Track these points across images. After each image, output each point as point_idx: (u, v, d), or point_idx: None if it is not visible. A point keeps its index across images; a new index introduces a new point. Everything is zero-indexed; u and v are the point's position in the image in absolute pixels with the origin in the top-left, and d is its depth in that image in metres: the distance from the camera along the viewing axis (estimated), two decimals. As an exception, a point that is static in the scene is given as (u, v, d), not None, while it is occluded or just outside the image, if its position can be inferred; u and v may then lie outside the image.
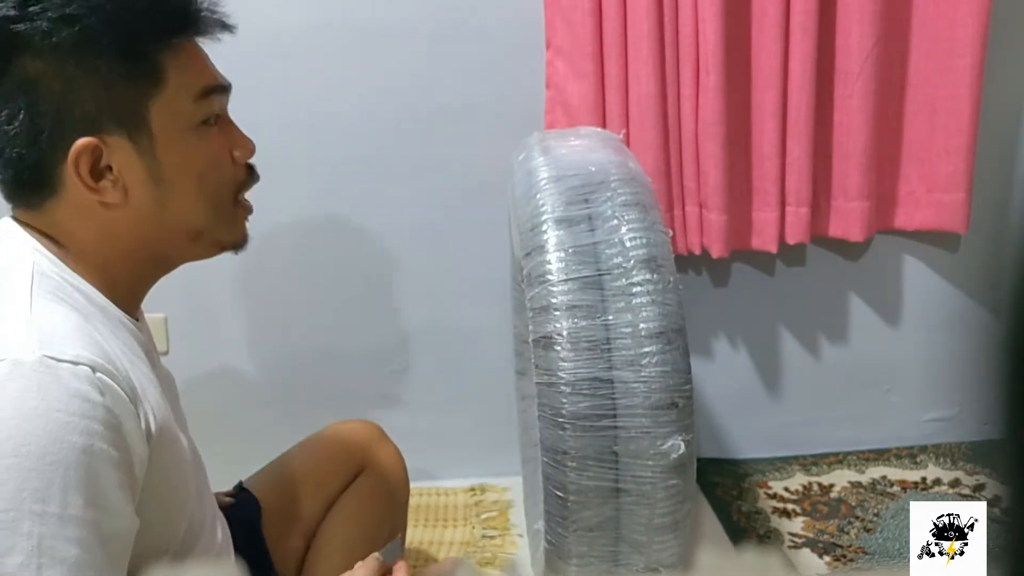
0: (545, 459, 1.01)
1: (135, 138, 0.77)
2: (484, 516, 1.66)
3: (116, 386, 0.70)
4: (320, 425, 1.25)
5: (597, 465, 0.97)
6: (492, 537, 1.59)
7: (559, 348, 0.98)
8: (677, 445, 0.93)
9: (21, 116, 0.74)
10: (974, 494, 1.65)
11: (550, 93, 1.57)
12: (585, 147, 1.20)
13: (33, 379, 0.66)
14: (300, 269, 1.67)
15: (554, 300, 1.00)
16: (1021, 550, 0.29)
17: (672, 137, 1.55)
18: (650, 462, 0.95)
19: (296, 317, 1.69)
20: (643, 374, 0.95)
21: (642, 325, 0.95)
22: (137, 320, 0.84)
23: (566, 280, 0.99)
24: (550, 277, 1.01)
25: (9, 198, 0.79)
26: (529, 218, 1.08)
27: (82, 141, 0.75)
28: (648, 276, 0.96)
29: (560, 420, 0.97)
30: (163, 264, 0.85)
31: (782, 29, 1.50)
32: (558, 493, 1.00)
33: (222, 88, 0.84)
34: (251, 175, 0.87)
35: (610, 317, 0.96)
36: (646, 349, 0.95)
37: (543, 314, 1.01)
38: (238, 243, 0.87)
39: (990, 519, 0.76)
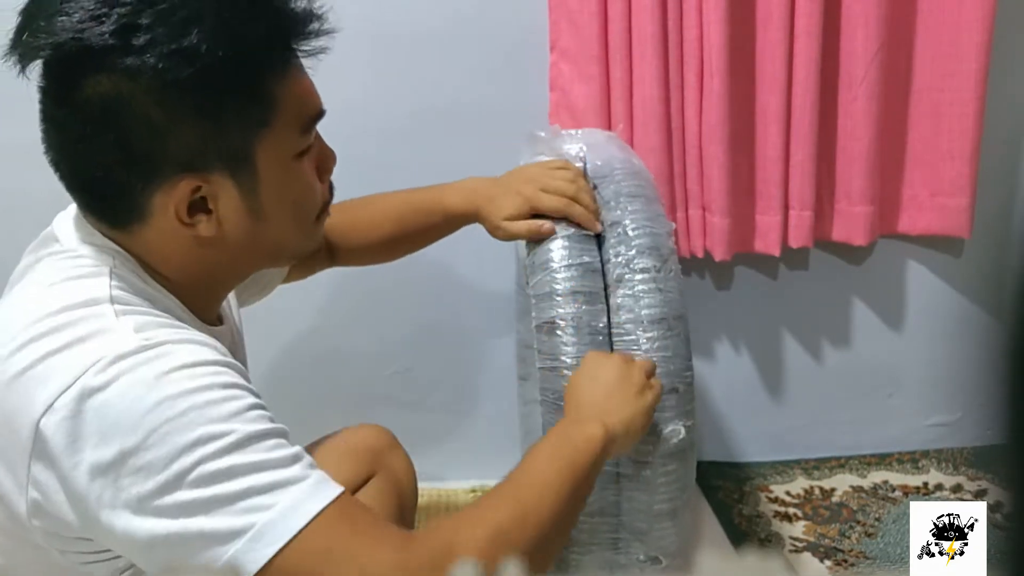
0: (546, 444, 1.01)
1: (238, 177, 0.73)
2: (485, 516, 1.65)
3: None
4: (322, 426, 1.25)
5: (598, 450, 0.97)
6: (493, 538, 1.59)
7: (561, 333, 0.99)
8: (677, 430, 0.94)
9: (111, 141, 0.69)
10: (976, 499, 1.65)
11: (554, 96, 1.57)
12: (589, 144, 1.21)
13: (140, 363, 0.65)
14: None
15: (557, 286, 1.01)
16: (1023, 555, 0.29)
17: (676, 140, 1.55)
18: (650, 447, 0.95)
19: (298, 317, 1.69)
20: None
21: (644, 311, 0.95)
22: (220, 323, 0.84)
23: (569, 266, 1.00)
24: (553, 264, 1.02)
25: (87, 211, 0.75)
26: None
27: (186, 182, 0.70)
28: (650, 263, 0.97)
29: (562, 404, 0.97)
30: (241, 277, 0.84)
31: (786, 32, 1.50)
32: (559, 479, 1.00)
33: (323, 113, 0.80)
34: (331, 190, 0.85)
35: (612, 303, 0.97)
36: (647, 335, 0.95)
37: (546, 300, 1.02)
38: (313, 251, 0.85)
39: (992, 524, 0.76)
